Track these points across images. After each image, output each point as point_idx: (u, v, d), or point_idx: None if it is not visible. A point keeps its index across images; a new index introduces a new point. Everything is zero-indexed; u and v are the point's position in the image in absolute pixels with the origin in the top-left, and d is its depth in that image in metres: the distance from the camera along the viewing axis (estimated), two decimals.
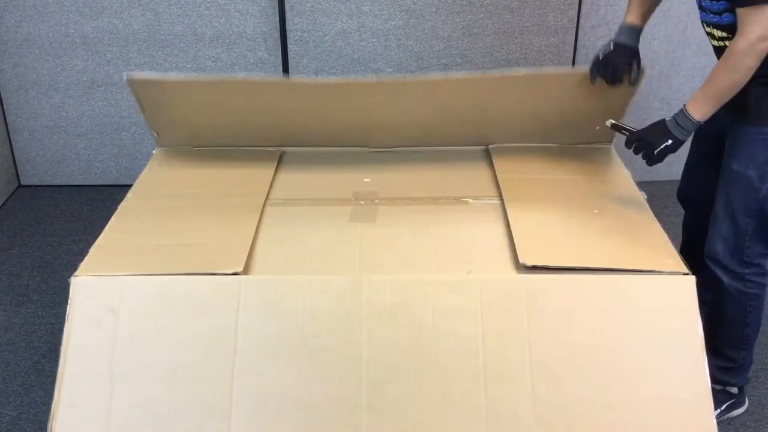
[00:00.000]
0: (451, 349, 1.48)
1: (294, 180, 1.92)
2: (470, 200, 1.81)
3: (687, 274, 1.52)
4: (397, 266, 1.57)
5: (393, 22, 2.81)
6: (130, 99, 2.92)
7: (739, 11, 1.56)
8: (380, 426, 1.45)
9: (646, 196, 1.79)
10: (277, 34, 2.81)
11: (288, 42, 2.82)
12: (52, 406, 1.45)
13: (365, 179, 1.91)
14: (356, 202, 1.81)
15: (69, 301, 1.50)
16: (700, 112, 1.63)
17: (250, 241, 1.63)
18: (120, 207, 1.77)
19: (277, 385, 1.47)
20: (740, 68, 1.58)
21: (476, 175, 1.93)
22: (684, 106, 1.65)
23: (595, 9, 2.81)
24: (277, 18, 2.78)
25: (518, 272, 1.53)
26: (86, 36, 2.83)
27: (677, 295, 1.50)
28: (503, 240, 1.64)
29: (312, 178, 1.93)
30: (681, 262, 1.55)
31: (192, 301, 1.51)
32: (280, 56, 2.84)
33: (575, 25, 2.82)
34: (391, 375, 1.47)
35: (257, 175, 1.93)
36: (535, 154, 2.00)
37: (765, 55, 1.57)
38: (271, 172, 1.93)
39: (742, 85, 1.61)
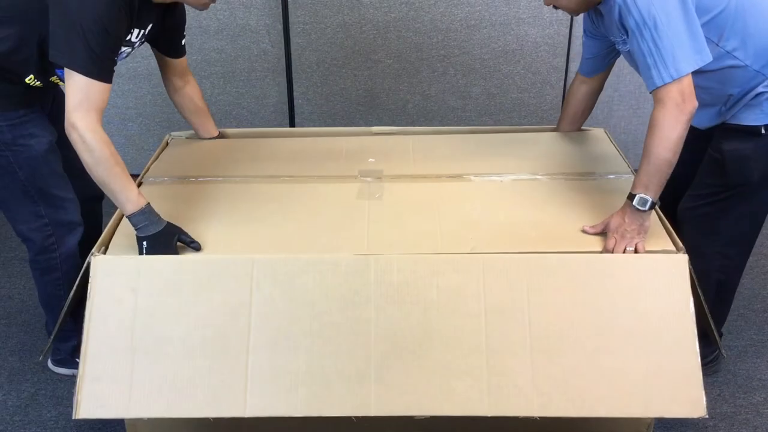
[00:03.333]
0: (455, 325, 1.54)
1: (300, 160, 1.99)
2: (472, 177, 1.88)
3: (680, 252, 1.59)
4: (404, 244, 1.63)
5: (393, 14, 2.86)
6: (137, 90, 2.99)
7: None
8: (388, 398, 1.51)
9: None
10: (280, 26, 2.87)
11: (290, 34, 2.88)
12: (77, 381, 1.51)
13: (370, 159, 1.97)
14: (362, 179, 1.87)
15: (90, 280, 1.56)
16: None
17: (260, 220, 1.69)
18: None
19: (290, 359, 1.53)
20: None
21: (478, 154, 2.01)
22: None
23: None
24: (280, 10, 2.83)
25: (519, 250, 1.59)
26: None
27: (671, 272, 1.56)
28: (505, 217, 1.71)
29: (317, 158, 2.00)
30: (675, 240, 1.62)
31: (207, 280, 1.56)
32: (283, 48, 2.90)
33: (570, 17, 2.88)
34: (398, 350, 1.53)
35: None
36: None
37: None
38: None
39: None
